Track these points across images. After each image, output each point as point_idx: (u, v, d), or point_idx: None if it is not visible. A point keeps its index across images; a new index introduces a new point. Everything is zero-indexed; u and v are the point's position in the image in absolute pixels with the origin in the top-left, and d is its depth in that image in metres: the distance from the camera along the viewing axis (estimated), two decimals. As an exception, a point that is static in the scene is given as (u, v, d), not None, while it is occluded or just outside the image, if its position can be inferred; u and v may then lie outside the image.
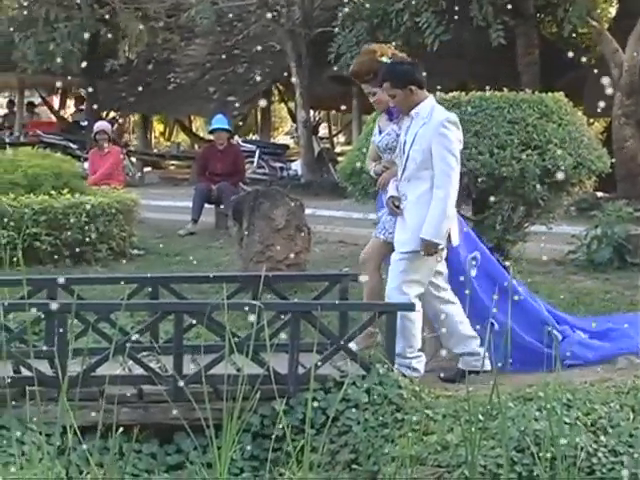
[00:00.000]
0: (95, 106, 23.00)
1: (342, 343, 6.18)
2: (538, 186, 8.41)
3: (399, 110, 6.59)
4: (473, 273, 6.63)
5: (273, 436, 5.35)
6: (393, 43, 15.09)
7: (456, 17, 14.85)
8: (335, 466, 5.62)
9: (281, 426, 5.13)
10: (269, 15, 18.84)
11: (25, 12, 21.06)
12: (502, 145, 8.30)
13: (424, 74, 6.44)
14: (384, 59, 6.73)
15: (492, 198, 8.26)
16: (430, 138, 6.28)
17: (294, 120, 25.14)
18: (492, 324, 6.36)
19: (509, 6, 14.86)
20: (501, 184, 8.32)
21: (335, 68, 16.73)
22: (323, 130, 31.02)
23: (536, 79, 16.60)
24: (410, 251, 6.36)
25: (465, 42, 16.70)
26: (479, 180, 8.18)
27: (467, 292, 6.38)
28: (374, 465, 5.51)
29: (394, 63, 6.60)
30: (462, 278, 6.40)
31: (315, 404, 5.74)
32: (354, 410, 5.83)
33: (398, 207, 6.46)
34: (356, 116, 22.20)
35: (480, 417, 5.15)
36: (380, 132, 6.88)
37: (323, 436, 5.27)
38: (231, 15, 20.76)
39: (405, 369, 6.28)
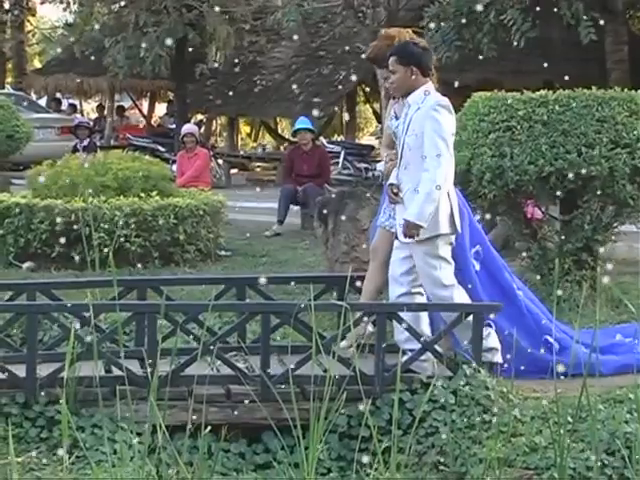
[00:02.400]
0: (183, 109, 23.26)
1: (430, 344, 6.17)
2: (628, 185, 8.27)
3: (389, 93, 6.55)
4: (477, 267, 6.54)
5: (360, 437, 5.36)
6: (485, 40, 15.10)
7: (542, 14, 14.68)
8: (422, 467, 5.60)
9: (367, 427, 5.14)
10: (354, 16, 18.84)
11: (115, 18, 21.42)
12: (590, 144, 8.18)
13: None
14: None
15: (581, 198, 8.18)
16: (422, 123, 6.21)
17: (379, 121, 25.09)
18: (489, 324, 6.31)
19: (598, 3, 14.66)
20: (589, 183, 8.20)
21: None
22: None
23: (625, 76, 16.32)
24: (412, 242, 6.25)
25: (551, 40, 16.51)
26: (567, 180, 8.07)
27: (469, 286, 6.33)
28: (461, 467, 5.48)
29: (407, 42, 6.53)
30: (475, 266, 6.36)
31: (401, 405, 5.73)
32: (441, 411, 5.81)
33: (397, 195, 6.38)
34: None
35: (569, 419, 5.09)
36: (397, 117, 6.72)
37: (410, 437, 5.26)
38: (317, 17, 20.81)
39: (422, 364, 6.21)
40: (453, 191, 6.40)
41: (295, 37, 20.88)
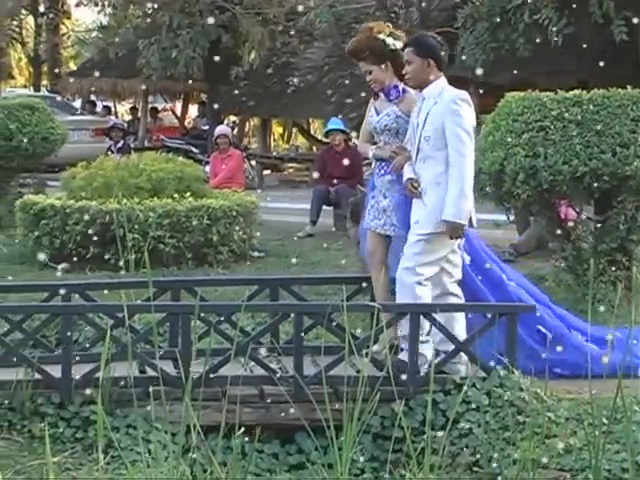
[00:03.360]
0: (216, 110, 23.34)
1: (464, 345, 6.16)
2: (664, 185, 8.22)
3: (399, 90, 6.49)
4: (467, 260, 6.51)
5: (393, 437, 5.36)
6: (520, 41, 15.02)
7: (576, 14, 14.59)
8: (456, 468, 5.59)
9: (401, 427, 5.13)
10: (387, 17, 18.83)
11: (149, 20, 21.53)
12: (625, 144, 8.12)
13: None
14: (381, 36, 6.57)
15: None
16: (442, 117, 6.16)
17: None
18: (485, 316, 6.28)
19: (631, 1, 14.54)
20: (624, 183, 8.14)
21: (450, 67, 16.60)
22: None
23: (661, 75, 16.17)
24: (428, 233, 6.20)
25: (585, 39, 16.39)
26: (601, 179, 8.02)
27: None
28: (495, 468, 5.47)
29: (424, 34, 6.51)
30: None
31: (435, 406, 5.72)
32: (475, 412, 5.79)
33: (416, 189, 6.30)
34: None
35: (604, 420, 5.06)
36: (378, 113, 6.68)
37: (443, 438, 5.25)
38: (349, 18, 20.81)
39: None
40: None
41: (328, 38, 20.92)
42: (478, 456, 5.60)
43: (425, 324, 6.21)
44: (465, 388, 5.68)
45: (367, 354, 5.26)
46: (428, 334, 6.22)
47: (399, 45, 6.54)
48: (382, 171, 6.66)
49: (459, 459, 5.64)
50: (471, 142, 6.19)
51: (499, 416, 5.78)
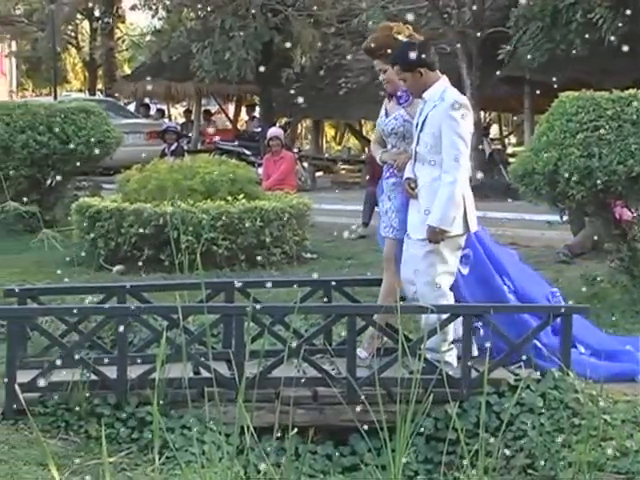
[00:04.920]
0: (268, 112, 23.43)
1: (518, 346, 6.12)
2: None
3: (409, 94, 6.41)
4: (465, 271, 6.41)
5: (447, 439, 5.34)
6: (577, 41, 14.89)
7: (630, 12, 14.43)
8: (510, 470, 5.56)
9: (455, 429, 5.12)
10: (439, 17, 18.77)
11: (202, 23, 21.68)
12: (681, 143, 8.04)
13: (434, 56, 6.24)
14: (400, 37, 6.50)
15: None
16: (440, 121, 6.10)
17: (465, 122, 24.97)
18: (477, 328, 6.18)
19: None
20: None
21: (501, 69, 16.53)
22: (494, 131, 30.66)
23: None
24: (422, 239, 6.16)
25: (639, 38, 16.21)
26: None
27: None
28: (550, 470, 5.43)
29: (405, 45, 6.34)
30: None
31: (489, 408, 5.70)
32: (529, 414, 5.76)
33: (413, 189, 6.26)
34: (528, 117, 21.82)
35: (661, 423, 5.00)
36: (387, 115, 6.63)
37: (498, 440, 5.22)
38: (401, 19, 20.78)
39: (437, 364, 6.11)
40: (469, 191, 6.27)
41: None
42: (533, 459, 5.56)
43: (449, 331, 6.19)
44: (519, 390, 5.65)
45: (420, 356, 5.25)
46: (452, 342, 6.20)
47: None
48: (387, 174, 6.65)
49: (513, 461, 5.61)
50: (466, 149, 6.14)
51: (554, 418, 5.74)
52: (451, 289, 6.29)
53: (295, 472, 4.83)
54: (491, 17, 19.48)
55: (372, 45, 6.63)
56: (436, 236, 6.10)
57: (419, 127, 6.23)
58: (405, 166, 6.40)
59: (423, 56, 6.21)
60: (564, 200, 8.39)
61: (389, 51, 6.42)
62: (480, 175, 15.43)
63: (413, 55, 6.16)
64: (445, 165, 6.09)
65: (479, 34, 18.83)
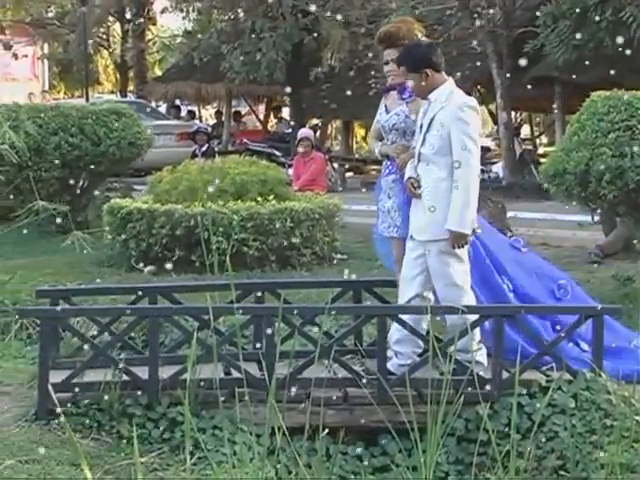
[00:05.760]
0: (298, 113, 23.46)
1: (549, 347, 6.10)
2: None
3: (411, 91, 6.35)
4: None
5: (478, 440, 5.33)
6: (606, 39, 14.77)
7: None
8: (542, 472, 5.54)
9: (486, 430, 5.10)
10: (469, 17, 18.72)
11: (232, 25, 21.74)
12: None
13: (442, 57, 6.21)
14: (418, 34, 6.50)
15: None
16: (448, 123, 6.05)
17: (495, 122, 24.85)
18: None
19: None
20: None
21: (526, 68, 16.44)
22: (525, 131, 30.54)
23: None
24: (428, 240, 6.11)
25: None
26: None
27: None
28: (582, 472, 5.41)
29: (410, 46, 6.32)
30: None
31: (520, 409, 5.68)
32: (561, 415, 5.73)
33: (416, 189, 6.19)
34: (559, 117, 21.73)
35: (694, 425, 4.97)
36: (387, 111, 6.58)
37: (529, 441, 5.20)
38: (431, 19, 20.74)
39: (468, 364, 6.06)
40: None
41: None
42: (564, 460, 5.54)
43: (477, 331, 6.16)
44: (550, 391, 5.62)
45: (451, 356, 5.25)
46: (480, 341, 6.18)
47: None
48: (387, 171, 6.59)
49: (545, 463, 5.58)
50: (477, 150, 6.10)
51: (586, 419, 5.71)
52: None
53: (326, 473, 4.84)
54: (521, 17, 19.40)
55: (392, 30, 6.60)
56: (458, 240, 6.07)
57: (424, 128, 6.19)
58: (406, 166, 6.36)
59: (430, 57, 6.20)
60: (595, 200, 8.36)
61: (406, 42, 6.40)
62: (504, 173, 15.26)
63: (419, 55, 6.18)
64: (456, 167, 6.04)
65: (509, 34, 18.78)
